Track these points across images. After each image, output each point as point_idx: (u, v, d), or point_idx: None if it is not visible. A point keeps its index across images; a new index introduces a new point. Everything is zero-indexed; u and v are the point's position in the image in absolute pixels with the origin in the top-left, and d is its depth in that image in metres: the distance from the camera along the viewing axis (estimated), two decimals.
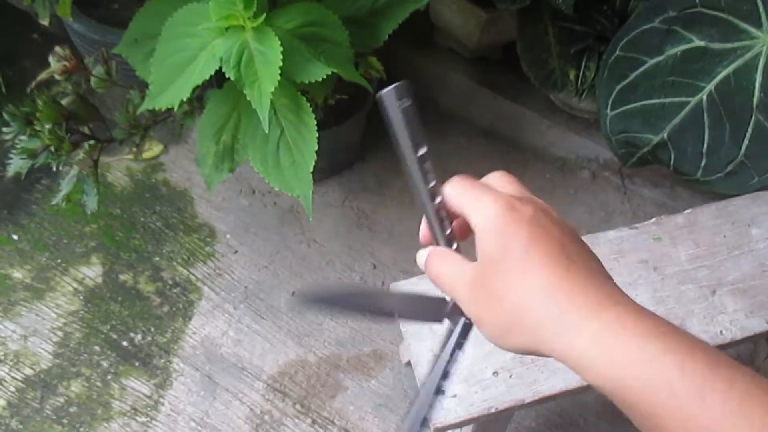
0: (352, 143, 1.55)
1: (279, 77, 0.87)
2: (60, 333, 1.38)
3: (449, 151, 1.63)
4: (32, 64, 1.68)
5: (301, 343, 1.37)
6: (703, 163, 1.18)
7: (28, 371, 1.33)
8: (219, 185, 1.39)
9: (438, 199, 0.46)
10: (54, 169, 1.06)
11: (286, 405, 1.31)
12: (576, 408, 1.31)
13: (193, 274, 1.45)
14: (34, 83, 1.09)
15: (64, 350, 1.36)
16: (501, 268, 0.41)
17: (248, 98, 0.90)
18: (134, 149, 1.18)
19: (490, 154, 1.64)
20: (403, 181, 1.58)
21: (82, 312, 1.40)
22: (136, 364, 1.35)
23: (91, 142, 1.10)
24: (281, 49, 0.86)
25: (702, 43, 1.11)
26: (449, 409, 0.82)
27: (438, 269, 0.46)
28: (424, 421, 0.45)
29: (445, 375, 0.47)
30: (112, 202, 1.54)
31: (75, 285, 1.43)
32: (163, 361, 1.35)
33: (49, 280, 1.43)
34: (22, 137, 1.03)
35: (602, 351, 0.38)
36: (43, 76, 1.11)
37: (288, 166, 1.00)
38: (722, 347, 0.91)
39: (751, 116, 1.10)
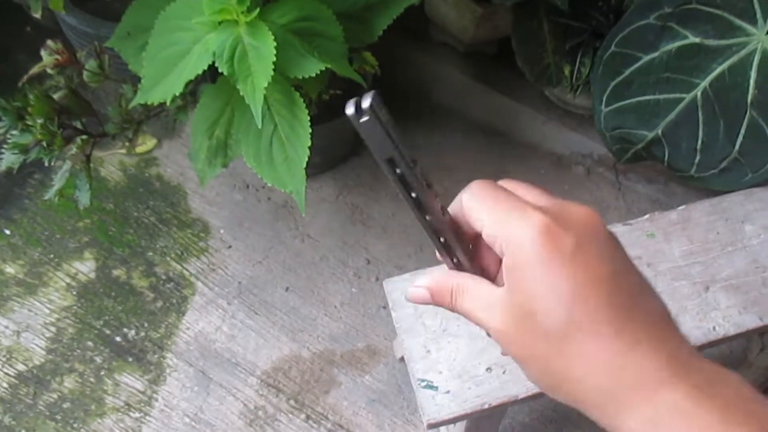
0: (347, 138, 1.55)
1: (272, 72, 0.86)
2: (53, 328, 1.37)
3: (444, 147, 1.63)
4: (25, 58, 1.67)
5: (294, 339, 1.37)
6: (697, 160, 1.18)
7: (21, 367, 1.33)
8: (212, 180, 1.38)
9: (438, 212, 0.39)
10: (46, 164, 1.05)
11: (279, 400, 1.31)
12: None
13: (187, 270, 1.45)
14: (25, 77, 1.08)
15: (57, 346, 1.35)
16: (539, 322, 0.35)
17: (241, 93, 0.89)
18: (127, 144, 1.17)
19: (485, 149, 1.63)
20: None
21: (75, 307, 1.39)
22: (130, 359, 1.35)
23: (84, 136, 1.10)
24: (275, 44, 0.86)
25: (697, 40, 1.11)
26: (442, 405, 0.82)
27: (468, 306, 0.39)
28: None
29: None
30: (105, 196, 1.53)
31: (68, 280, 1.42)
32: (156, 356, 1.35)
33: (41, 276, 1.43)
34: (14, 132, 1.02)
35: None
36: (35, 70, 1.10)
37: (281, 162, 1.00)
38: (715, 343, 0.92)
39: (746, 113, 1.10)
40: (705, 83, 1.12)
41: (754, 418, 0.32)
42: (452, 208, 0.41)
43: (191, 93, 1.13)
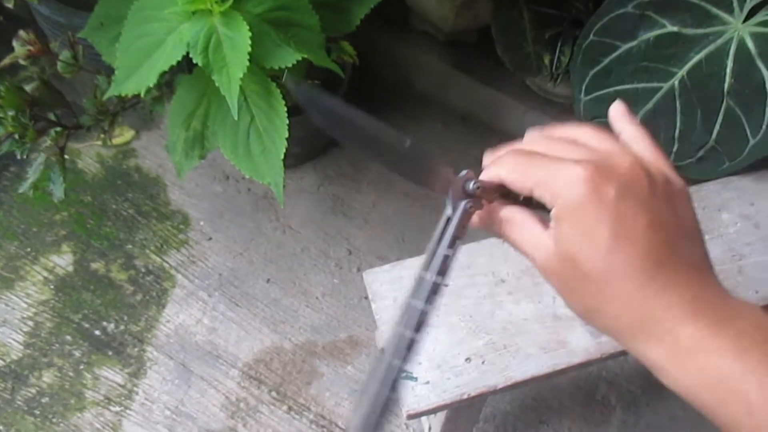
0: None
1: (248, 63, 0.85)
2: (30, 323, 1.35)
3: (425, 136, 1.63)
4: None
5: (276, 330, 1.37)
6: (674, 149, 1.18)
7: None
8: (192, 171, 1.37)
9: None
10: (18, 156, 1.04)
11: (261, 392, 1.31)
12: (550, 391, 1.33)
13: (167, 262, 1.44)
14: None
15: (35, 340, 1.34)
16: (580, 266, 0.38)
17: (217, 84, 0.88)
18: (102, 135, 1.15)
19: (466, 138, 1.63)
20: (379, 166, 1.57)
21: (53, 301, 1.38)
22: (109, 353, 1.34)
23: (58, 128, 1.08)
24: (250, 34, 0.85)
25: (675, 29, 1.11)
26: (422, 396, 0.82)
27: (516, 238, 0.43)
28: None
29: (443, 271, 0.42)
30: (83, 189, 1.51)
31: (45, 274, 1.41)
32: (136, 350, 1.34)
33: (18, 269, 1.41)
34: None
35: (678, 366, 0.37)
36: (6, 61, 1.08)
37: (258, 154, 0.99)
38: None
39: (722, 102, 1.10)
40: (683, 72, 1.13)
41: (765, 345, 0.36)
42: (489, 177, 0.43)
43: (167, 84, 1.11)
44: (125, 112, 1.18)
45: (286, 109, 0.96)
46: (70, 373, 1.31)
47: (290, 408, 1.29)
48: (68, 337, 1.34)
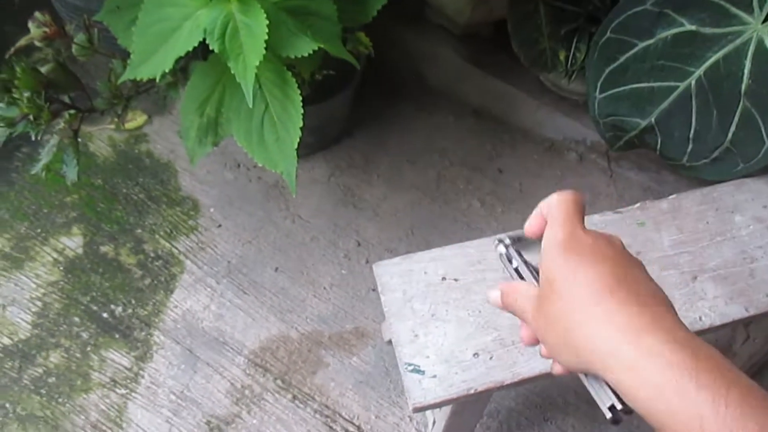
0: (340, 119, 1.54)
1: (264, 51, 0.85)
2: (39, 303, 1.36)
3: (436, 129, 1.62)
4: (12, 30, 1.64)
5: (283, 319, 1.37)
6: (689, 149, 1.18)
7: (6, 341, 1.32)
8: (203, 158, 1.37)
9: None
10: (33, 138, 1.04)
11: (266, 380, 1.31)
12: (556, 388, 1.33)
13: (176, 248, 1.44)
14: (12, 49, 1.06)
15: (43, 320, 1.35)
16: (554, 289, 0.44)
17: (232, 72, 0.88)
18: (116, 119, 1.15)
19: (478, 133, 1.63)
20: (390, 158, 1.57)
21: (61, 283, 1.39)
22: (117, 336, 1.34)
23: (72, 111, 1.08)
24: (267, 22, 0.84)
25: (693, 27, 1.10)
26: (428, 389, 0.83)
27: (510, 302, 0.51)
28: None
29: None
30: (94, 172, 1.52)
31: (55, 255, 1.41)
32: (143, 333, 1.35)
33: (28, 250, 1.42)
34: (0, 105, 1.01)
35: (635, 379, 0.38)
36: (22, 42, 1.08)
37: (272, 142, 0.99)
38: (701, 333, 0.92)
39: (739, 103, 1.09)
40: (699, 72, 1.12)
41: (719, 368, 0.37)
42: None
43: (182, 69, 1.11)
44: (139, 96, 1.18)
45: (301, 98, 0.96)
46: (77, 355, 1.32)
47: (295, 397, 1.30)
48: (76, 319, 1.35)
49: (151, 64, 0.92)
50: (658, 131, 1.21)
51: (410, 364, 0.84)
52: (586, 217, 0.99)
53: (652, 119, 1.20)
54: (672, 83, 1.15)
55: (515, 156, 1.60)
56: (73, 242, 1.43)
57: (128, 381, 1.30)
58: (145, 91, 1.16)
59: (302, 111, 0.96)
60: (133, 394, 1.29)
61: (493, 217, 1.50)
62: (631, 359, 0.38)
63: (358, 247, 1.46)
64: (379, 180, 1.54)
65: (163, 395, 1.29)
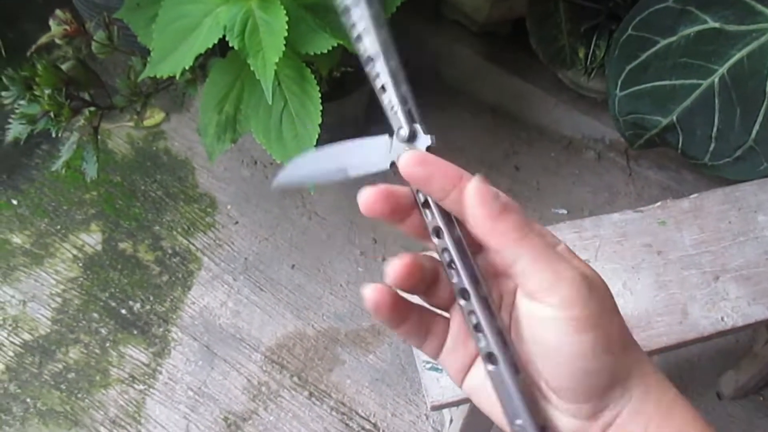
0: (356, 116, 1.53)
1: (284, 48, 0.85)
2: (59, 299, 1.37)
3: (454, 126, 1.62)
4: (33, 27, 1.66)
5: (299, 316, 1.37)
6: (711, 148, 1.16)
7: (27, 336, 1.33)
8: (221, 155, 1.37)
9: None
10: (54, 135, 1.05)
11: (283, 377, 1.31)
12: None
13: (193, 244, 1.45)
14: (34, 47, 1.07)
15: (62, 316, 1.36)
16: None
17: (252, 68, 0.88)
18: (135, 117, 1.16)
19: (495, 130, 1.62)
20: None
21: (81, 279, 1.40)
22: (135, 332, 1.35)
23: (92, 108, 1.09)
24: (286, 18, 0.84)
25: (716, 25, 1.08)
26: (447, 388, 0.82)
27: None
28: None
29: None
30: (113, 169, 1.53)
31: (74, 252, 1.43)
32: (161, 330, 1.35)
33: (48, 246, 1.43)
34: (22, 102, 1.02)
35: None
36: (43, 40, 1.09)
37: (291, 139, 0.99)
38: (723, 333, 0.91)
39: (763, 101, 1.08)
40: (723, 69, 1.10)
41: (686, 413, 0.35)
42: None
43: (200, 67, 1.12)
44: (157, 94, 1.18)
45: (320, 95, 0.96)
46: (96, 350, 1.33)
47: (311, 394, 1.30)
48: (95, 315, 1.36)
49: (170, 61, 0.93)
50: (679, 129, 1.19)
51: (428, 362, 0.84)
52: (605, 216, 0.99)
53: (674, 117, 1.18)
54: (694, 81, 1.14)
55: (532, 154, 1.59)
56: (92, 239, 1.44)
57: (146, 377, 1.31)
58: (164, 88, 1.16)
59: (321, 108, 0.96)
60: (151, 390, 1.29)
61: None
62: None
63: (374, 245, 1.46)
64: (396, 178, 1.54)
65: (181, 391, 1.29)
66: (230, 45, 0.88)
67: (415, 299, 0.39)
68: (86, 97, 1.10)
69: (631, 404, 0.35)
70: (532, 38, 1.43)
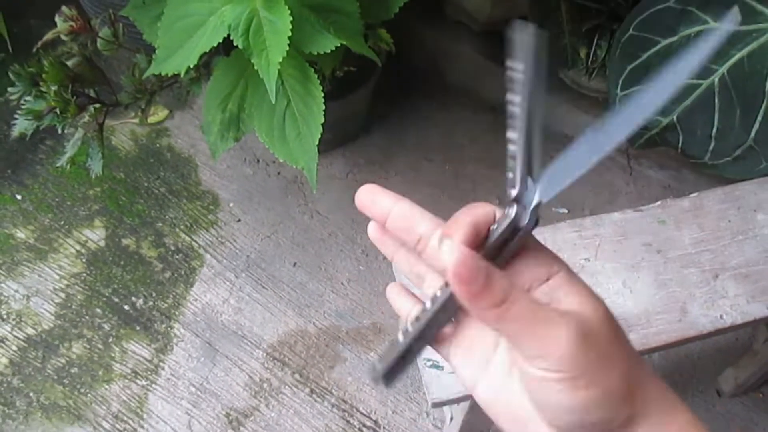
0: (359, 115, 1.54)
1: (287, 47, 0.86)
2: (62, 294, 1.38)
3: (455, 124, 1.62)
4: (38, 23, 1.67)
5: (301, 314, 1.38)
6: (711, 147, 1.17)
7: (30, 331, 1.34)
8: (223, 153, 1.38)
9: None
10: (59, 131, 1.05)
11: (285, 374, 1.32)
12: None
13: (196, 241, 1.45)
14: (40, 43, 1.08)
15: (66, 311, 1.37)
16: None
17: (256, 68, 0.89)
18: (140, 114, 1.17)
19: (496, 129, 1.62)
20: (408, 154, 1.58)
21: (84, 274, 1.41)
22: (137, 328, 1.36)
23: (97, 105, 1.10)
24: (291, 18, 0.85)
25: (717, 25, 1.09)
26: (447, 385, 0.83)
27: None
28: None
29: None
30: (116, 165, 1.53)
31: (78, 247, 1.44)
32: (164, 326, 1.36)
33: (52, 242, 1.44)
34: (28, 98, 1.02)
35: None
36: (49, 36, 1.10)
37: (293, 138, 0.99)
38: (722, 331, 0.92)
39: (763, 101, 1.09)
40: (723, 69, 1.11)
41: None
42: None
43: (205, 65, 1.12)
44: (162, 91, 1.19)
45: (322, 94, 0.97)
46: (99, 346, 1.34)
47: (312, 391, 1.31)
48: (98, 310, 1.37)
49: (176, 59, 0.93)
50: (680, 129, 1.20)
51: (429, 360, 0.85)
52: (606, 215, 0.99)
53: (675, 117, 1.19)
54: (695, 81, 1.14)
55: None
56: (95, 235, 1.45)
57: (149, 372, 1.32)
58: (168, 86, 1.17)
59: (324, 107, 0.97)
60: (153, 385, 1.30)
61: None
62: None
63: None
64: (397, 176, 1.55)
65: (183, 387, 1.30)
66: (234, 44, 0.89)
67: None
68: (91, 93, 1.11)
69: None
70: None
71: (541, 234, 0.94)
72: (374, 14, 1.04)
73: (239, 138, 1.09)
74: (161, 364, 1.32)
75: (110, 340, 1.35)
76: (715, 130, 1.15)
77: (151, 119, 1.57)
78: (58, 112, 1.01)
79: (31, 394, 1.28)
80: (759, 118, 1.10)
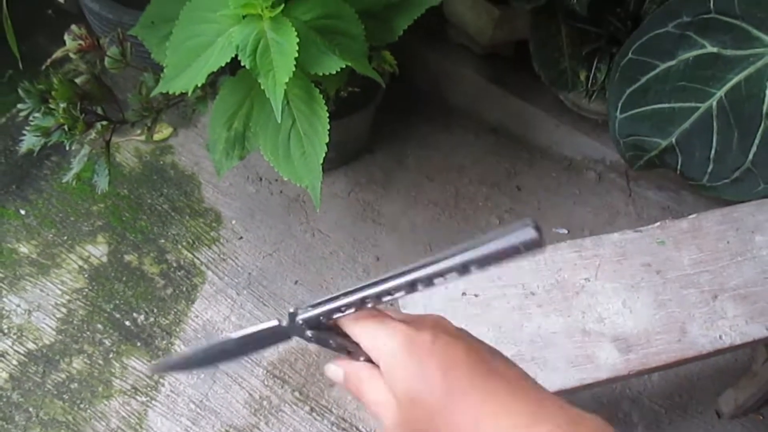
0: (361, 135, 1.56)
1: (294, 68, 0.87)
2: (64, 309, 1.39)
3: (457, 146, 1.64)
4: (46, 41, 1.69)
5: None
6: (709, 169, 1.19)
7: (31, 345, 1.35)
8: (227, 171, 1.39)
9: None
10: (67, 148, 1.07)
11: (285, 392, 1.32)
12: (577, 401, 1.32)
13: (198, 258, 1.46)
14: (49, 61, 1.09)
15: (67, 327, 1.37)
16: (421, 404, 0.41)
17: (262, 87, 0.91)
18: (146, 131, 1.18)
19: (497, 151, 1.64)
20: (409, 174, 1.59)
21: (86, 290, 1.41)
22: (138, 344, 1.36)
23: (104, 122, 1.11)
24: (297, 40, 0.87)
25: (714, 50, 1.11)
26: None
27: (355, 390, 0.47)
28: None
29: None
30: (120, 182, 1.55)
31: (80, 263, 1.44)
32: (164, 342, 1.37)
33: (54, 257, 1.45)
34: (36, 115, 1.04)
35: None
36: (58, 54, 1.12)
37: (298, 157, 1.01)
38: (721, 351, 0.92)
39: (760, 124, 1.10)
40: (721, 93, 1.13)
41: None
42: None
43: (211, 84, 1.14)
44: (168, 110, 1.21)
45: (327, 114, 0.98)
46: (100, 361, 1.34)
47: (312, 409, 1.31)
48: (99, 326, 1.38)
49: (183, 78, 0.95)
50: (678, 151, 1.22)
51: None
52: (605, 235, 1.01)
53: (673, 139, 1.21)
54: (693, 104, 1.16)
55: (534, 174, 1.61)
56: (98, 250, 1.46)
57: (149, 389, 1.32)
58: (175, 104, 1.19)
59: (328, 127, 0.99)
60: (153, 402, 1.30)
61: None
62: None
63: (376, 262, 1.47)
64: (399, 196, 1.56)
65: (183, 404, 1.30)
66: (242, 64, 0.90)
67: None
68: (99, 111, 1.13)
69: None
70: (534, 61, 1.46)
71: (541, 254, 0.95)
72: (379, 37, 1.06)
73: (244, 156, 1.10)
74: (161, 380, 1.33)
75: (111, 355, 1.35)
76: (713, 152, 1.17)
77: (156, 137, 1.59)
78: (67, 128, 1.02)
79: (31, 409, 1.28)
80: (756, 140, 1.12)
